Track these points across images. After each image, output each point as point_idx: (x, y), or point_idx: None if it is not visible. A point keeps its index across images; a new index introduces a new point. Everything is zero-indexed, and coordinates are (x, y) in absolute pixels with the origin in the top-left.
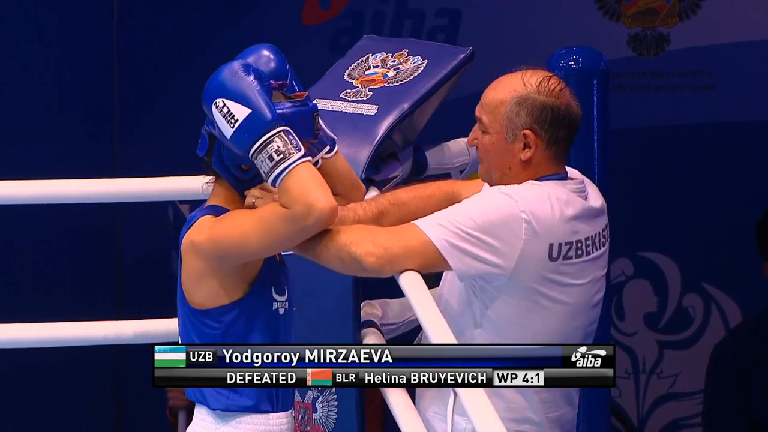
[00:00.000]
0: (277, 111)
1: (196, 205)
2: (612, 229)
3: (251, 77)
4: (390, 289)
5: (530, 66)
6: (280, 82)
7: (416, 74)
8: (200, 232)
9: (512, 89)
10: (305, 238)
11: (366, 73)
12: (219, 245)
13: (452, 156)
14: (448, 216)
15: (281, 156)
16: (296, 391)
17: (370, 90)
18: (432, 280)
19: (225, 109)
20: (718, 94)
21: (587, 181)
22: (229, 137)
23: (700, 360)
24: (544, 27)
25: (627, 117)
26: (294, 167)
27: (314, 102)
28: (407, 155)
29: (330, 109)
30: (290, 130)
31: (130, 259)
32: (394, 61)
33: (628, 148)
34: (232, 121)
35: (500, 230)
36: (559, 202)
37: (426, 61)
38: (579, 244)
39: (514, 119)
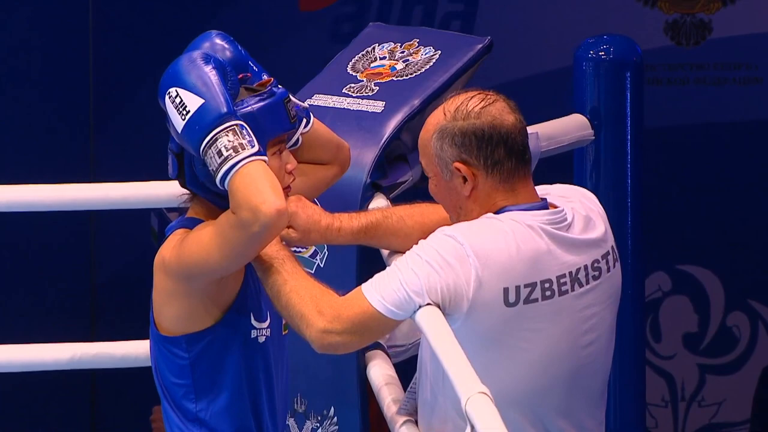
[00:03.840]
0: (245, 109)
1: (185, 210)
2: (646, 239)
3: (210, 66)
4: None
5: (468, 89)
6: (241, 75)
7: (428, 67)
8: (170, 247)
9: (434, 123)
10: (261, 246)
11: (372, 65)
12: (184, 262)
13: None
14: (391, 273)
15: (230, 152)
16: (293, 423)
17: (376, 84)
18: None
19: (177, 99)
20: (766, 89)
21: (581, 205)
22: (180, 131)
23: (746, 386)
24: (572, 13)
25: (663, 114)
26: (242, 165)
27: (313, 96)
28: (417, 158)
29: (331, 105)
30: (245, 125)
31: (107, 273)
32: (403, 52)
33: (664, 148)
34: (184, 112)
35: (446, 279)
36: (517, 237)
37: (439, 52)
38: (548, 284)
39: (441, 155)
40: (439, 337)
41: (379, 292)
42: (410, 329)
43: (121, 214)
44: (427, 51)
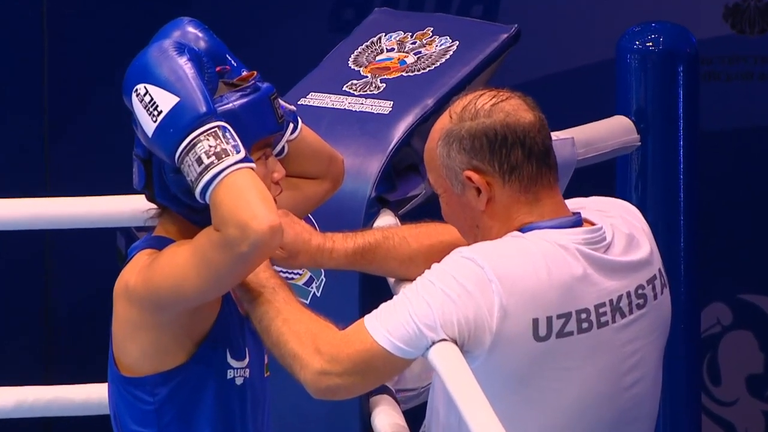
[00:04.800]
0: (225, 106)
1: (153, 230)
2: (702, 263)
3: (184, 57)
4: None
5: (479, 88)
6: (219, 68)
7: (443, 60)
8: (135, 272)
9: (439, 129)
10: (249, 270)
11: (378, 58)
12: (153, 289)
13: None
14: (399, 303)
15: (211, 159)
16: None
17: (382, 81)
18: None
19: (147, 98)
20: None
21: (622, 221)
22: (150, 136)
23: None
24: None
25: (722, 115)
26: (227, 175)
27: (309, 94)
28: None
29: (330, 106)
30: (228, 127)
31: (65, 303)
32: (414, 43)
33: (724, 155)
34: (155, 113)
35: (464, 310)
36: (547, 260)
37: (456, 42)
38: (585, 315)
39: (449, 164)
40: (456, 377)
41: (384, 326)
42: (423, 370)
43: (82, 234)
44: (443, 42)
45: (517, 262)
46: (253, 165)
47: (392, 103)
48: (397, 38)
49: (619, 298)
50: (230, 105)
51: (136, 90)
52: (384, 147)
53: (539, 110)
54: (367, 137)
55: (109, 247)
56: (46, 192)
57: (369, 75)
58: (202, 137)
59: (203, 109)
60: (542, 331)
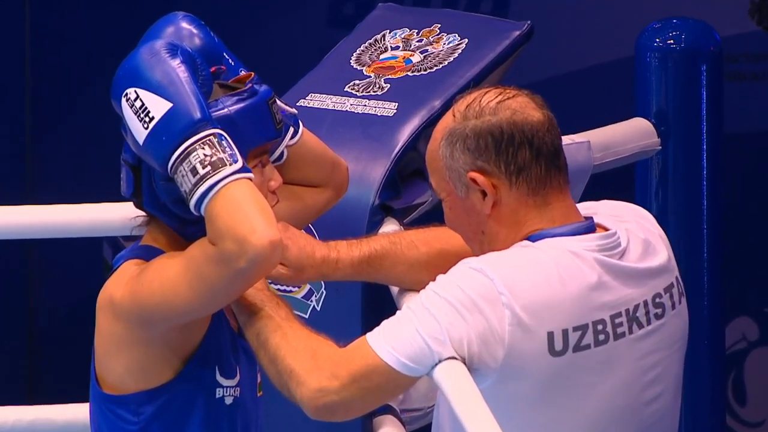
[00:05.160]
0: (220, 111)
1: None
2: (725, 273)
3: (177, 60)
4: None
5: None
6: (214, 68)
7: (451, 59)
8: (120, 283)
9: (442, 129)
10: (245, 287)
11: (381, 57)
12: (141, 303)
13: None
14: (403, 318)
15: (207, 169)
16: None
17: (386, 81)
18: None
19: (138, 103)
20: None
21: (637, 226)
22: (141, 143)
23: None
24: None
25: (748, 116)
26: (224, 186)
27: (308, 95)
28: None
29: (330, 107)
30: (225, 135)
31: (48, 317)
32: (420, 41)
33: (749, 157)
34: (146, 119)
35: (474, 325)
36: (560, 269)
37: (465, 40)
38: (601, 326)
39: (453, 165)
40: (463, 398)
41: (388, 342)
42: (430, 389)
43: (66, 245)
44: (451, 39)
45: (528, 273)
46: (251, 175)
47: (397, 104)
48: (402, 35)
49: (636, 307)
50: (225, 110)
51: (126, 94)
52: (388, 151)
53: (548, 109)
54: (371, 141)
55: (95, 257)
56: (28, 199)
57: (372, 75)
58: (196, 146)
59: (198, 115)
60: (558, 345)
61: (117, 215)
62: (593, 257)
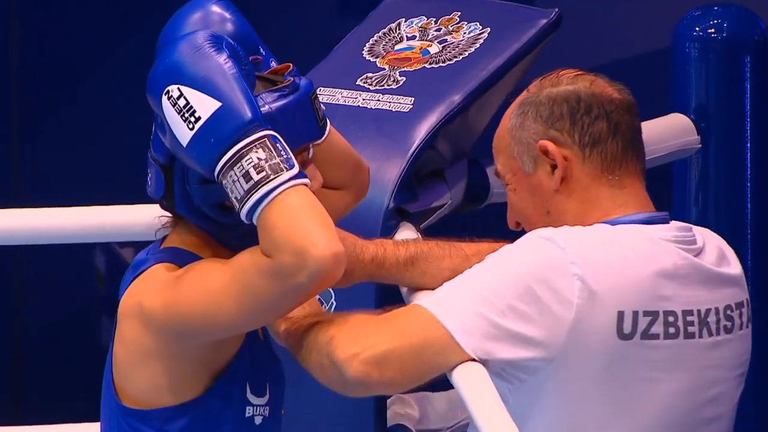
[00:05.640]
0: (261, 109)
1: (141, 247)
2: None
3: (224, 54)
4: None
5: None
6: (252, 57)
7: (473, 50)
8: (152, 290)
9: (514, 104)
10: (300, 303)
11: (396, 48)
12: (177, 314)
13: None
14: (462, 284)
15: (262, 175)
16: None
17: (402, 74)
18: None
19: (182, 102)
20: None
21: (709, 234)
22: (185, 145)
23: None
24: None
25: None
26: (281, 193)
27: (317, 90)
28: (459, 173)
29: (341, 102)
30: (279, 137)
31: (36, 330)
32: (439, 30)
33: None
34: (192, 119)
35: (538, 294)
36: (635, 250)
37: (488, 29)
38: (672, 318)
39: (522, 137)
40: (483, 403)
41: (443, 307)
42: (449, 407)
43: (55, 251)
44: (473, 28)
45: (601, 248)
46: (308, 181)
47: (413, 99)
48: (419, 24)
49: (708, 312)
50: (267, 108)
51: (168, 92)
52: (404, 150)
53: (629, 94)
54: (385, 139)
55: (87, 265)
56: (14, 203)
57: (386, 67)
58: (249, 149)
59: (249, 115)
60: (627, 327)
61: (112, 219)
62: (672, 247)
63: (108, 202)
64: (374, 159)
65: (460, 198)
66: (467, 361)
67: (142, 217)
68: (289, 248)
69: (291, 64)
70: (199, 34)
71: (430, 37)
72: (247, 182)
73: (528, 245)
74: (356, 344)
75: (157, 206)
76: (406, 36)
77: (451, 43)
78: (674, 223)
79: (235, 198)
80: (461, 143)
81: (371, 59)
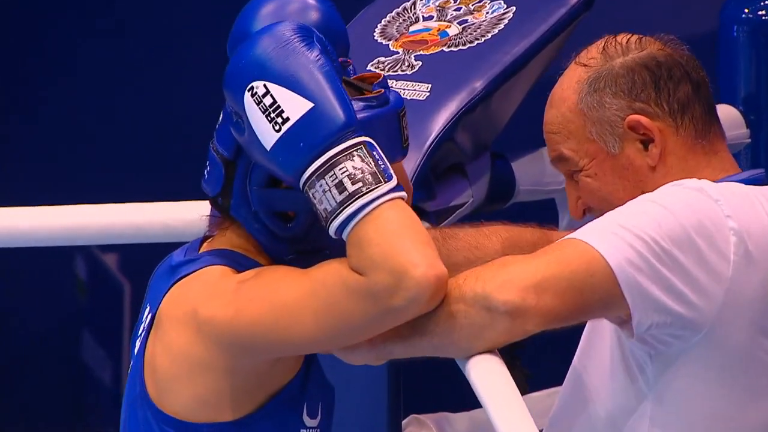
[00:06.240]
0: None
1: (130, 251)
2: None
3: (315, 51)
4: None
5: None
6: (342, 59)
7: (496, 31)
8: (210, 296)
9: (574, 82)
10: (388, 327)
11: (411, 29)
12: (243, 327)
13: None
14: (621, 220)
15: (357, 186)
16: None
17: (418, 58)
18: None
19: (267, 100)
20: None
21: None
22: (269, 147)
23: None
24: None
25: None
26: (378, 207)
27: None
28: (481, 169)
29: None
30: (375, 145)
31: (7, 346)
32: (459, 9)
33: None
34: (279, 120)
35: (700, 245)
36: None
37: (513, 8)
38: None
39: (602, 116)
40: (499, 396)
41: (603, 241)
42: (472, 429)
43: (31, 257)
44: (495, 7)
45: (744, 203)
46: (405, 195)
47: (430, 86)
48: (437, 3)
49: None
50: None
51: (252, 88)
52: (420, 143)
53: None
54: None
55: (65, 273)
56: None
57: (401, 50)
58: (343, 156)
59: (344, 119)
60: None
61: (98, 220)
62: None
63: (88, 200)
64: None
65: (483, 196)
66: (623, 305)
67: (131, 219)
68: (387, 267)
69: (382, 74)
70: (286, 25)
71: (448, 17)
72: (340, 193)
73: (679, 194)
74: (506, 272)
75: (139, 208)
76: (423, 16)
77: (472, 24)
78: None
79: (324, 209)
80: (483, 135)
81: (383, 42)
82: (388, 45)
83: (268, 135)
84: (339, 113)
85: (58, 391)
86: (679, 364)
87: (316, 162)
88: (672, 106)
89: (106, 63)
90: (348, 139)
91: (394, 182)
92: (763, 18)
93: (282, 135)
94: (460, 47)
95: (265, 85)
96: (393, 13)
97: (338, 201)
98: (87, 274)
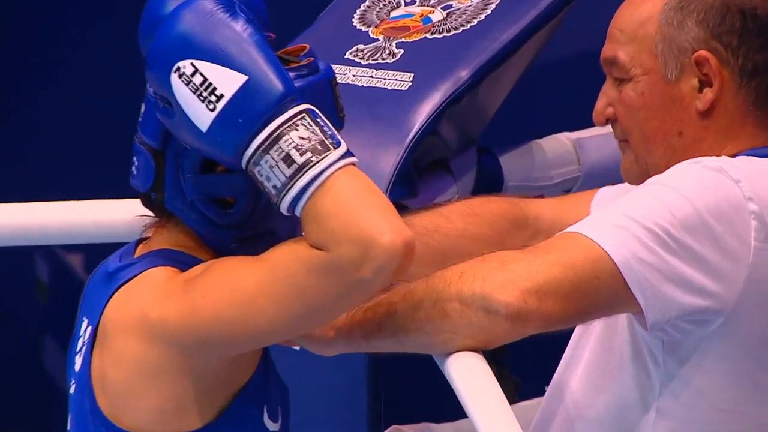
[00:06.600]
0: None
1: (92, 254)
2: None
3: (241, 21)
4: None
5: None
6: (268, 34)
7: (483, 17)
8: (159, 298)
9: None
10: (358, 303)
11: (393, 15)
12: (199, 323)
13: (548, 165)
14: (627, 210)
15: (306, 157)
16: None
17: (399, 46)
18: None
19: (197, 79)
20: None
21: None
22: (205, 129)
23: None
24: None
25: None
26: (331, 175)
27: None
28: (466, 164)
29: None
30: (318, 112)
31: None
32: None
33: None
34: (212, 98)
35: (716, 230)
36: None
37: None
38: None
39: (675, 37)
40: (481, 395)
41: (608, 237)
42: None
43: None
44: None
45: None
46: (357, 160)
47: (413, 75)
48: None
49: None
50: None
51: (179, 69)
52: (401, 136)
53: None
54: (379, 122)
55: (25, 274)
56: None
57: (381, 38)
58: (287, 127)
59: (282, 88)
60: None
61: (59, 219)
62: None
63: (56, 197)
64: (366, 147)
65: (469, 193)
66: (634, 304)
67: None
68: (350, 238)
69: (307, 45)
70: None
71: (432, 1)
72: (288, 166)
73: (695, 174)
74: (506, 271)
75: (105, 205)
76: (404, 1)
77: (458, 9)
78: None
79: (273, 186)
80: (469, 128)
81: (362, 28)
82: (367, 32)
83: (202, 116)
84: (276, 83)
85: (19, 400)
86: (697, 356)
87: (258, 137)
88: (746, 64)
89: (107, 63)
90: (289, 109)
91: (343, 148)
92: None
93: (218, 114)
94: (445, 34)
95: (192, 64)
96: None
97: (288, 175)
98: (48, 276)
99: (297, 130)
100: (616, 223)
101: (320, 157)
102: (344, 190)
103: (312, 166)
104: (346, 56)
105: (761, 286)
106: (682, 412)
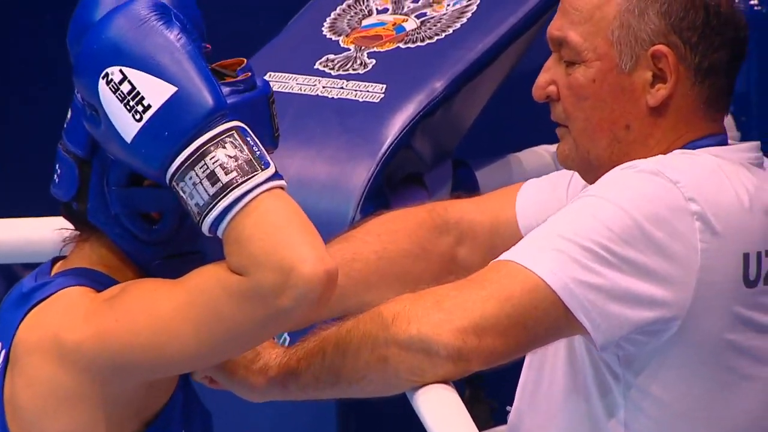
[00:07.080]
0: None
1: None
2: None
3: (175, 30)
4: None
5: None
6: (205, 45)
7: (458, 26)
8: (72, 319)
9: None
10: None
11: (364, 23)
12: (113, 347)
13: (526, 178)
14: (562, 230)
15: (231, 176)
16: None
17: (371, 56)
18: None
19: (125, 87)
20: None
21: None
22: (130, 140)
23: None
24: None
25: None
26: (256, 197)
27: (266, 74)
28: (442, 177)
29: (296, 91)
30: (248, 130)
31: None
32: (417, 1)
33: None
34: (139, 108)
35: (658, 237)
36: (733, 180)
37: (476, 1)
38: None
39: (634, 26)
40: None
41: (541, 261)
42: None
43: None
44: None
45: (710, 180)
46: (285, 183)
47: (385, 87)
48: None
49: None
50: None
51: (107, 75)
52: (373, 150)
53: None
54: (350, 136)
55: None
56: None
57: (352, 47)
58: (214, 144)
59: (212, 103)
60: (752, 272)
61: (18, 235)
62: (761, 172)
63: (19, 212)
64: (337, 161)
65: None
66: (579, 328)
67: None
68: (270, 265)
69: (245, 60)
70: (141, 3)
71: (405, 9)
72: (212, 185)
73: (630, 181)
74: (441, 310)
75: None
76: (376, 8)
77: (432, 18)
78: (744, 145)
79: (196, 205)
80: (444, 140)
81: (333, 37)
82: (338, 41)
83: (127, 126)
84: (206, 97)
85: None
86: (654, 366)
87: (183, 152)
88: (703, 62)
89: None
90: (218, 125)
91: (272, 169)
92: (755, 9)
93: (143, 124)
94: (419, 43)
95: (121, 71)
96: (344, 5)
97: (211, 194)
98: (4, 291)
99: (224, 147)
100: (551, 246)
101: (246, 178)
102: (268, 214)
103: (236, 187)
104: (315, 66)
105: (713, 286)
106: (650, 424)
